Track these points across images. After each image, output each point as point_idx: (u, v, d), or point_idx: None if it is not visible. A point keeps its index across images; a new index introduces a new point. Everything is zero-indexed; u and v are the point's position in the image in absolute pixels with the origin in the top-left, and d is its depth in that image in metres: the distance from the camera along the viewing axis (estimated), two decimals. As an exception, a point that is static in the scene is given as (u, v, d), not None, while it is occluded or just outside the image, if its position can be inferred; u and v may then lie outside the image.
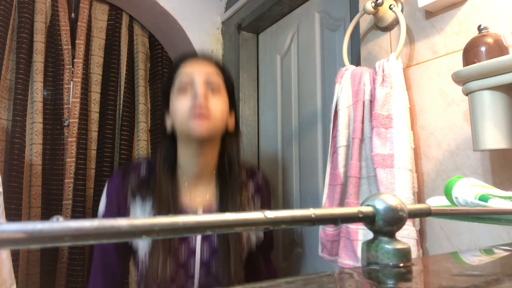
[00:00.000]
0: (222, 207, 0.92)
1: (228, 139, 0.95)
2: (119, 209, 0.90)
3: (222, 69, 0.95)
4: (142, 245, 0.88)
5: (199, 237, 0.91)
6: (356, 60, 1.11)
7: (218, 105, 0.88)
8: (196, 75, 0.88)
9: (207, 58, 0.96)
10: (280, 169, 1.54)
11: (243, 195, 0.96)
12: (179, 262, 0.88)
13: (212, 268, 0.90)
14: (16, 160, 1.40)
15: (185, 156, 0.92)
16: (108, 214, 0.92)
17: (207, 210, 0.92)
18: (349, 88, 0.96)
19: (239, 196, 0.94)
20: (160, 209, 0.88)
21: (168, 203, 0.88)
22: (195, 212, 0.90)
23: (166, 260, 0.85)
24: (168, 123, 0.93)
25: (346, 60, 1.04)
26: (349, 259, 0.92)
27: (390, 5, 0.94)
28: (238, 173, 0.95)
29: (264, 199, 1.02)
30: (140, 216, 0.91)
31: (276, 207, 1.51)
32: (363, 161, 0.92)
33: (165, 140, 0.94)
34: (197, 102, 0.84)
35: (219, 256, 0.89)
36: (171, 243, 0.87)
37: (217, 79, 0.91)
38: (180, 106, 0.87)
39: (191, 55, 0.97)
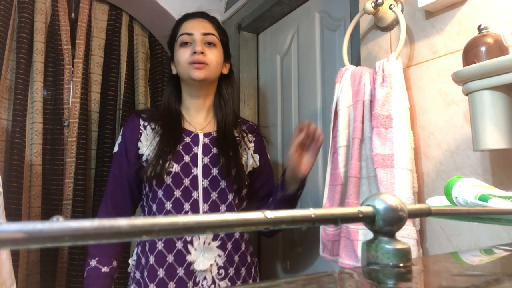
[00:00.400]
0: (220, 135, 1.09)
1: (223, 81, 1.15)
2: (132, 140, 1.08)
3: (218, 26, 1.14)
4: (148, 153, 1.04)
5: (200, 150, 1.05)
6: (356, 60, 1.11)
7: (213, 56, 1.07)
8: (195, 33, 1.07)
9: (205, 16, 1.13)
10: (280, 169, 1.54)
11: (237, 129, 1.15)
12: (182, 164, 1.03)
13: (213, 172, 1.04)
14: (16, 160, 1.40)
15: (187, 95, 1.12)
16: (122, 148, 1.08)
17: (207, 136, 1.09)
18: (349, 88, 0.96)
19: (234, 128, 1.13)
20: (164, 131, 1.05)
21: (172, 125, 1.06)
22: (196, 136, 1.08)
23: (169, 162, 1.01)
24: (173, 69, 1.14)
25: (346, 60, 1.04)
26: (350, 259, 0.92)
27: (390, 5, 0.94)
28: (232, 111, 1.14)
29: (260, 139, 1.20)
30: (149, 140, 1.04)
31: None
32: (363, 161, 0.92)
33: (171, 82, 1.15)
34: (195, 57, 1.03)
35: (221, 164, 1.04)
36: (174, 151, 1.03)
37: (213, 35, 1.09)
38: (182, 58, 1.06)
39: (192, 14, 1.14)
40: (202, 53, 1.04)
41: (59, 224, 0.18)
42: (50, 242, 0.18)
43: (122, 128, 1.13)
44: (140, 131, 1.08)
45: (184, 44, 1.07)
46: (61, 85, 1.56)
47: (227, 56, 1.15)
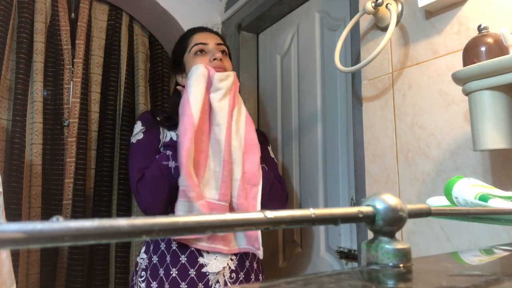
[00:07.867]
0: None
1: None
2: (156, 132, 1.13)
3: (223, 39, 1.22)
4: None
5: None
6: (355, 60, 1.11)
7: (228, 63, 1.15)
8: (210, 43, 1.14)
9: (212, 31, 1.21)
10: (280, 169, 1.54)
11: None
12: None
13: None
14: (16, 160, 1.39)
15: None
16: (148, 137, 1.11)
17: None
18: None
19: None
20: None
21: None
22: None
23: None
24: (181, 81, 1.18)
25: (338, 60, 1.00)
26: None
27: (387, 4, 0.94)
28: None
29: (265, 138, 1.26)
30: (173, 137, 1.10)
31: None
32: None
33: (176, 93, 1.19)
34: (216, 63, 1.09)
35: None
36: None
37: (224, 45, 1.17)
38: (201, 64, 1.08)
39: (199, 28, 1.20)
40: (221, 59, 1.10)
41: (59, 224, 0.18)
42: (50, 242, 0.18)
43: (139, 120, 1.18)
44: (159, 131, 1.14)
45: (200, 52, 1.12)
46: (61, 85, 1.56)
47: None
